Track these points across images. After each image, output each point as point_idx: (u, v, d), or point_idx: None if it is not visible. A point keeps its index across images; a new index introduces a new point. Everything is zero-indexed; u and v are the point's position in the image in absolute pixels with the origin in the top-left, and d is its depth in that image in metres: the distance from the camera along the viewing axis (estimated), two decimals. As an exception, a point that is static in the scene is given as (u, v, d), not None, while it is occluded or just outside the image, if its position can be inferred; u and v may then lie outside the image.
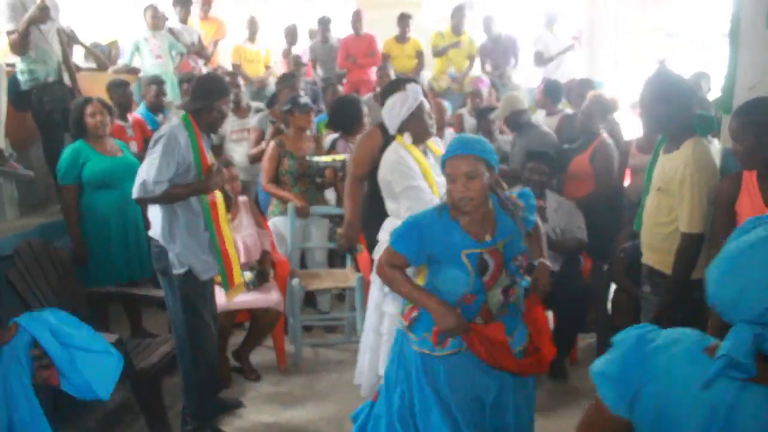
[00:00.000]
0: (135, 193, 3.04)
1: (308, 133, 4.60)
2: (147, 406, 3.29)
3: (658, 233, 2.78)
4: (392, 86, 3.50)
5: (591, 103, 4.50)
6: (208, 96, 3.15)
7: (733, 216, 2.50)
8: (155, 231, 3.12)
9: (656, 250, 2.80)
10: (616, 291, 3.95)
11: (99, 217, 3.95)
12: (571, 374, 3.98)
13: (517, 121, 4.81)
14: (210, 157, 3.24)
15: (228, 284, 3.26)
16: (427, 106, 3.27)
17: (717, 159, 2.83)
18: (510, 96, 4.98)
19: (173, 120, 3.20)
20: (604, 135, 4.44)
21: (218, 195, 3.24)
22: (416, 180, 3.07)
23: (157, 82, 5.33)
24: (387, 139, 3.44)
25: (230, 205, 3.84)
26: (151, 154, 3.04)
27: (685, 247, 2.65)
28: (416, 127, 3.20)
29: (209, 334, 3.20)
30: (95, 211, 3.96)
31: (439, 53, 7.17)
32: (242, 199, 4.19)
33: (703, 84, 5.30)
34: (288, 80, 5.17)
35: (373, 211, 3.68)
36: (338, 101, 4.78)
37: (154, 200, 3.05)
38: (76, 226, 3.92)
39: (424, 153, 3.23)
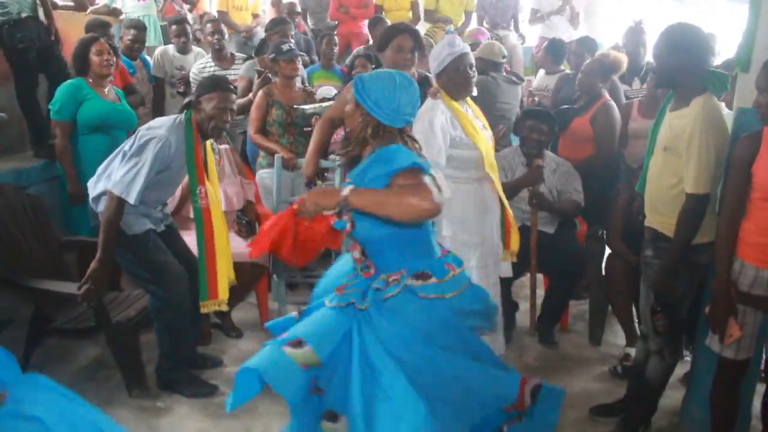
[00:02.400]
0: (113, 188, 2.86)
1: (299, 83, 4.40)
2: (123, 360, 3.16)
3: (664, 195, 2.63)
4: (389, 32, 3.39)
5: (593, 62, 4.34)
6: (197, 91, 3.07)
7: (749, 177, 2.37)
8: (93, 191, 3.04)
9: (661, 212, 2.66)
10: (610, 256, 3.84)
11: (89, 161, 3.72)
12: (561, 340, 3.89)
13: (482, 68, 4.50)
14: (211, 163, 3.20)
15: (207, 294, 3.10)
16: (469, 60, 3.11)
17: (728, 121, 2.69)
18: (490, 44, 4.79)
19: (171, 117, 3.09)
20: (607, 96, 4.29)
21: (213, 198, 3.11)
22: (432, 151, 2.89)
23: (138, 27, 5.05)
24: None
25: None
26: (139, 155, 2.87)
27: (689, 208, 2.52)
28: (455, 78, 3.09)
29: (172, 278, 3.07)
30: (86, 155, 3.80)
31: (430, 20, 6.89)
32: (224, 146, 4.02)
33: None
34: (278, 26, 4.90)
35: None
36: None
37: (115, 208, 2.86)
38: (70, 163, 3.79)
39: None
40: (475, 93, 3.29)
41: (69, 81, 3.86)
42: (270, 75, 4.43)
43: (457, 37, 3.29)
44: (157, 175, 2.92)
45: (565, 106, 4.52)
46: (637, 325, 3.65)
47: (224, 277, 3.14)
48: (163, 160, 2.91)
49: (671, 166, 2.58)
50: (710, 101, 2.51)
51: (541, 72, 5.54)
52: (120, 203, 2.86)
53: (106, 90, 3.91)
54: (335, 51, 5.37)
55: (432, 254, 2.23)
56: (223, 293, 3.13)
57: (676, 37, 2.53)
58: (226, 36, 5.21)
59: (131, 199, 2.84)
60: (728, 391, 2.58)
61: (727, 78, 2.53)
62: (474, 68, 3.17)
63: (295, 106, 4.20)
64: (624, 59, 4.32)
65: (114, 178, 2.88)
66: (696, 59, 2.50)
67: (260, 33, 6.50)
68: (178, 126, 2.97)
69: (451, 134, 3.05)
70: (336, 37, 5.59)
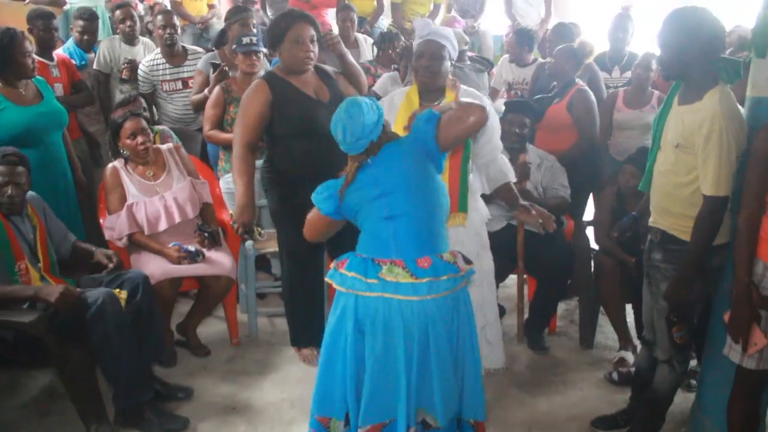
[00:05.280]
0: None
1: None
2: (77, 391, 2.79)
3: (676, 194, 2.41)
4: (282, 22, 3.07)
5: (562, 47, 4.24)
6: None
7: None
8: None
9: (672, 213, 2.44)
10: (598, 254, 3.64)
11: None
12: (552, 345, 3.68)
13: None
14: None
15: None
16: (430, 49, 2.72)
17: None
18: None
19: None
20: (581, 83, 4.17)
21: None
22: None
23: (87, 17, 4.61)
24: (276, 92, 3.00)
25: None
26: None
27: (707, 212, 2.30)
28: (414, 66, 2.79)
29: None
30: None
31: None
32: (166, 146, 3.58)
33: None
34: (238, 14, 4.55)
35: None
36: None
37: None
38: None
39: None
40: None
41: None
42: (227, 68, 4.08)
43: (428, 22, 2.96)
44: None
45: (539, 96, 4.35)
46: (636, 331, 3.47)
47: None
48: None
49: (684, 164, 2.35)
50: (726, 93, 2.29)
51: (508, 64, 5.24)
52: None
53: (22, 90, 3.41)
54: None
55: None
56: None
57: (688, 22, 2.29)
58: (179, 30, 4.81)
59: None
60: (748, 402, 2.39)
61: (740, 65, 2.32)
62: (438, 58, 2.73)
63: None
64: (590, 43, 4.17)
65: None
66: (711, 47, 2.27)
67: (216, 24, 6.14)
68: None
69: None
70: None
